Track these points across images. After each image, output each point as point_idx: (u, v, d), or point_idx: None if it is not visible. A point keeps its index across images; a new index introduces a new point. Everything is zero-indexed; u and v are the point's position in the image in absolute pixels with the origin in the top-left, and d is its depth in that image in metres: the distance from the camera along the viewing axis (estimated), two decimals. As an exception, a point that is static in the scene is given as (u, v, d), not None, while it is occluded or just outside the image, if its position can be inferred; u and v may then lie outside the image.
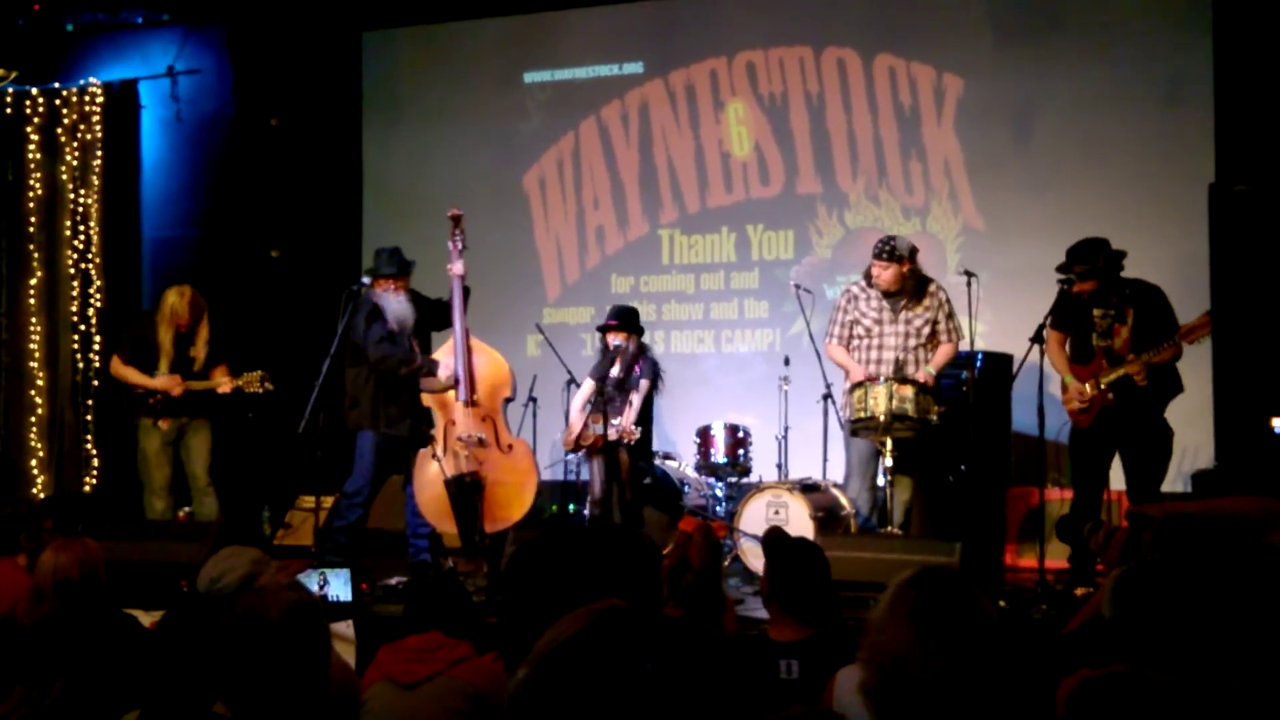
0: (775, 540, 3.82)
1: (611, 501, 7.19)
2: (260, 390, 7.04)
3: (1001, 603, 5.58)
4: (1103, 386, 6.15)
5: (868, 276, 6.70)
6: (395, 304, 6.60)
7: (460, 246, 6.63)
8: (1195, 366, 7.13)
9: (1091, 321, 6.22)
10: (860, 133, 8.65)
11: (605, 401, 7.21)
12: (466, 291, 6.75)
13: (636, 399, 7.24)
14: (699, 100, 9.06)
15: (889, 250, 6.57)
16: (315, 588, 5.06)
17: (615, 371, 7.37)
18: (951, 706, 2.32)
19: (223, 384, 7.06)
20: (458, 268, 6.61)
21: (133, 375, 7.17)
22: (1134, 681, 2.53)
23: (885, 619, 2.43)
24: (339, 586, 5.00)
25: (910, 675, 2.32)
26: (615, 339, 7.40)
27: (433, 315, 6.80)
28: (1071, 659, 2.94)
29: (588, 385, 7.43)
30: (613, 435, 7.08)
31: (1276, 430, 6.87)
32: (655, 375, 7.41)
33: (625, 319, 7.44)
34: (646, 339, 7.65)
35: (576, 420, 7.32)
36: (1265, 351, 7.11)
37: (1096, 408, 6.18)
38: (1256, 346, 7.17)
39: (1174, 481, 7.31)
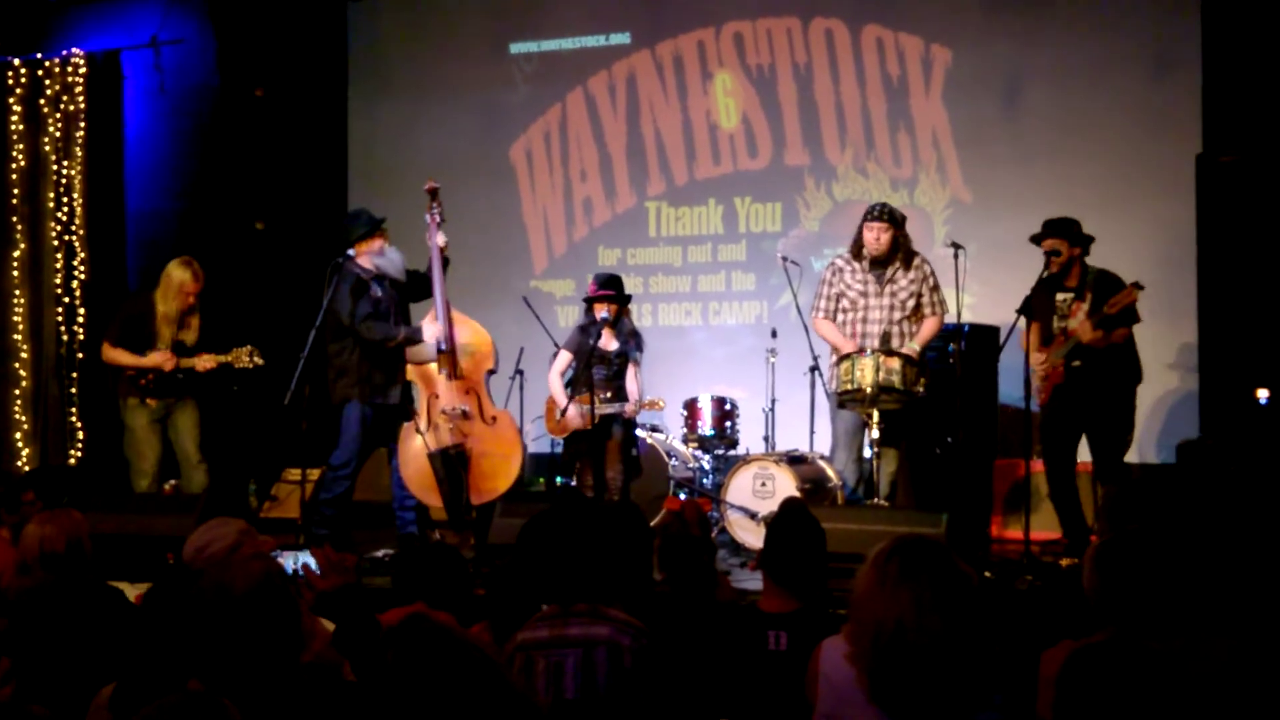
0: (789, 511, 3.74)
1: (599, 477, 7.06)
2: (250, 365, 6.92)
3: (987, 573, 5.60)
4: (1053, 357, 6.14)
5: (857, 248, 6.68)
6: (389, 258, 6.56)
7: (439, 220, 6.60)
8: (1180, 335, 7.15)
9: (1054, 305, 6.23)
10: (848, 104, 8.62)
11: (594, 377, 6.80)
12: (445, 263, 6.70)
13: (639, 373, 7.06)
14: (686, 71, 9.01)
15: (886, 212, 6.58)
16: (288, 568, 5.06)
17: (610, 344, 7.00)
18: (945, 665, 2.35)
19: (208, 360, 6.86)
20: (438, 238, 6.59)
21: (124, 358, 6.90)
22: (1125, 649, 2.54)
23: (874, 590, 2.44)
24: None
25: (908, 640, 2.34)
26: (604, 310, 6.93)
27: (413, 285, 6.78)
28: (1051, 629, 2.95)
29: (563, 360, 7.02)
30: (629, 411, 6.87)
31: (1261, 401, 6.90)
32: (641, 347, 7.22)
33: (618, 288, 7.03)
34: (634, 311, 7.53)
35: (571, 408, 6.79)
36: (1250, 322, 7.13)
37: (1050, 384, 6.19)
38: (1242, 317, 7.19)
39: (1159, 452, 7.35)
